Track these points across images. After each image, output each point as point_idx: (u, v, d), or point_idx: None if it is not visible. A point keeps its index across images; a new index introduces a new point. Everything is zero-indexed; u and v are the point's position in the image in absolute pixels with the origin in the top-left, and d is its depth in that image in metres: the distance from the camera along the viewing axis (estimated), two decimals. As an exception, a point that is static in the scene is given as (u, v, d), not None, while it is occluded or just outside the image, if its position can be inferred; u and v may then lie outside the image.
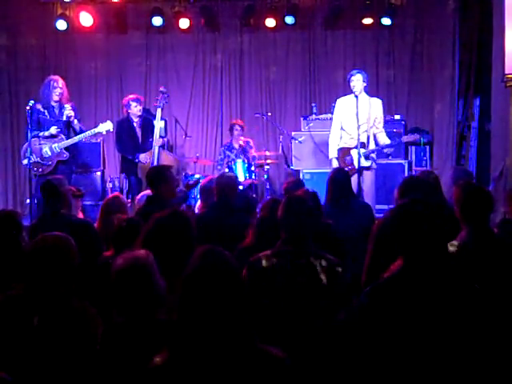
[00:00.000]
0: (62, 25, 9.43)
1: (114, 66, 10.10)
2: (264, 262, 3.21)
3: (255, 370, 2.02)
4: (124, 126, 8.11)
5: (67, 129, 7.46)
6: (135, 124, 8.04)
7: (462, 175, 5.48)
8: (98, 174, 9.17)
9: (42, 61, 10.01)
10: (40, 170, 7.32)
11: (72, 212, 5.13)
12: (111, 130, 7.60)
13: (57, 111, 7.38)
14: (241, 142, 8.86)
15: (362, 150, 6.92)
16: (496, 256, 3.34)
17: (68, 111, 7.33)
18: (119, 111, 10.06)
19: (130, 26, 9.99)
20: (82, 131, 7.46)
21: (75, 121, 7.40)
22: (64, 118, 7.34)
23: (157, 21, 9.49)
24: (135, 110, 7.99)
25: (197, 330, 2.02)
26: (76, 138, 7.41)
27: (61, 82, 7.43)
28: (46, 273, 2.84)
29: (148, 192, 5.78)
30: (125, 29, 9.98)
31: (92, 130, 7.49)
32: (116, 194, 6.06)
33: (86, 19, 9.49)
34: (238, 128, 8.92)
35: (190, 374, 2.01)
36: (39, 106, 7.37)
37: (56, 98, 7.36)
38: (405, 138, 7.51)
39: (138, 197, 5.99)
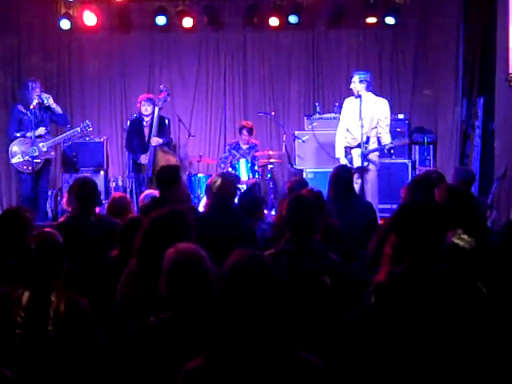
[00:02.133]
0: (65, 24, 9.43)
1: (117, 65, 10.09)
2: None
3: (292, 375, 2.00)
4: (134, 125, 8.24)
5: (49, 123, 7.80)
6: (145, 123, 8.11)
7: (464, 175, 5.47)
8: (102, 173, 9.19)
9: (46, 60, 10.00)
10: (30, 168, 7.53)
11: None
12: (90, 128, 7.89)
13: (37, 111, 7.56)
14: (244, 147, 8.84)
15: (359, 150, 6.95)
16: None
17: (45, 95, 7.62)
18: (122, 111, 10.09)
19: (134, 25, 9.98)
20: (64, 114, 7.85)
21: (54, 104, 7.67)
22: (45, 102, 7.57)
23: (160, 20, 9.48)
24: (142, 109, 8.10)
25: (235, 335, 2.00)
26: (60, 137, 7.81)
27: (39, 83, 7.76)
28: (43, 267, 2.95)
29: (152, 191, 5.78)
30: (128, 28, 9.98)
31: (75, 130, 7.83)
32: (121, 193, 6.07)
33: (89, 18, 9.48)
34: (246, 133, 8.88)
35: (226, 379, 1.99)
36: (21, 107, 7.69)
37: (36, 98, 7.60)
38: (396, 142, 7.36)
39: (142, 196, 5.99)
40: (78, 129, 7.75)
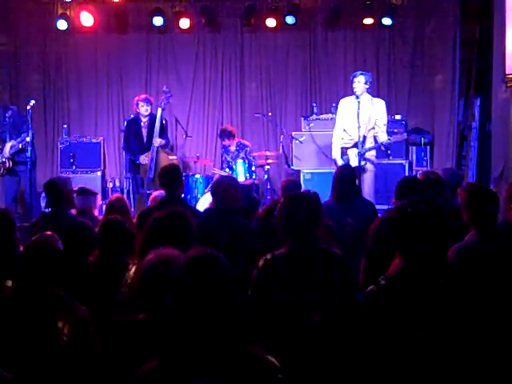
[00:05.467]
0: (62, 25, 9.42)
1: (114, 66, 10.09)
2: (277, 262, 3.12)
3: (246, 375, 1.97)
4: (131, 126, 8.25)
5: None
6: (142, 124, 8.11)
7: (451, 177, 5.48)
8: (99, 173, 9.18)
9: (43, 61, 10.00)
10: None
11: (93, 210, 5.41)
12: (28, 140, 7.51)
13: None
14: (232, 148, 8.82)
15: (356, 150, 6.96)
16: (504, 258, 3.32)
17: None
18: (119, 111, 10.09)
19: (131, 26, 9.98)
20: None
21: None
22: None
23: (157, 21, 9.48)
24: (142, 109, 8.09)
25: (186, 335, 1.97)
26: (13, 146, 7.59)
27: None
28: (38, 272, 2.95)
29: (162, 192, 5.79)
30: (125, 29, 9.98)
31: (22, 139, 7.54)
32: (118, 195, 6.08)
33: (86, 19, 9.48)
34: (226, 139, 8.82)
35: (180, 378, 1.96)
36: None
37: None
38: (393, 138, 7.34)
39: (152, 197, 5.96)
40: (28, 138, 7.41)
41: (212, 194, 4.96)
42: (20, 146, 7.54)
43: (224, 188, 4.83)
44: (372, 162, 7.15)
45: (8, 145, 7.58)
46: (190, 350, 1.96)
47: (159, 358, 2.02)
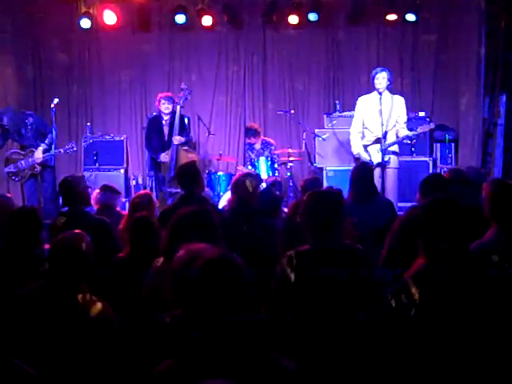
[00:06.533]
0: (85, 23, 9.50)
1: (137, 63, 10.13)
2: (300, 258, 3.09)
3: (262, 378, 1.95)
4: (153, 124, 8.26)
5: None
6: (164, 122, 8.13)
7: (475, 175, 5.41)
8: (122, 171, 9.24)
9: (66, 59, 10.09)
10: (17, 178, 7.70)
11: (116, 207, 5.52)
12: (75, 149, 7.69)
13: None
14: (257, 146, 8.81)
15: (378, 146, 6.90)
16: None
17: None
18: (142, 109, 10.14)
19: (154, 24, 10.02)
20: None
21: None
22: None
23: (180, 18, 9.51)
24: (163, 107, 8.10)
25: (200, 335, 1.97)
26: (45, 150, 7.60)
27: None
28: (62, 271, 2.95)
29: None
30: (148, 27, 10.02)
31: (57, 150, 7.58)
32: (146, 191, 6.12)
33: (109, 17, 9.55)
34: (250, 136, 8.83)
35: (194, 380, 1.95)
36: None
37: None
38: (420, 129, 7.23)
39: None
40: (61, 150, 7.57)
41: (232, 193, 4.96)
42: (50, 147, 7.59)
43: (243, 187, 4.82)
44: (396, 154, 7.06)
45: (40, 149, 7.55)
46: (205, 350, 1.95)
47: (174, 357, 2.01)
